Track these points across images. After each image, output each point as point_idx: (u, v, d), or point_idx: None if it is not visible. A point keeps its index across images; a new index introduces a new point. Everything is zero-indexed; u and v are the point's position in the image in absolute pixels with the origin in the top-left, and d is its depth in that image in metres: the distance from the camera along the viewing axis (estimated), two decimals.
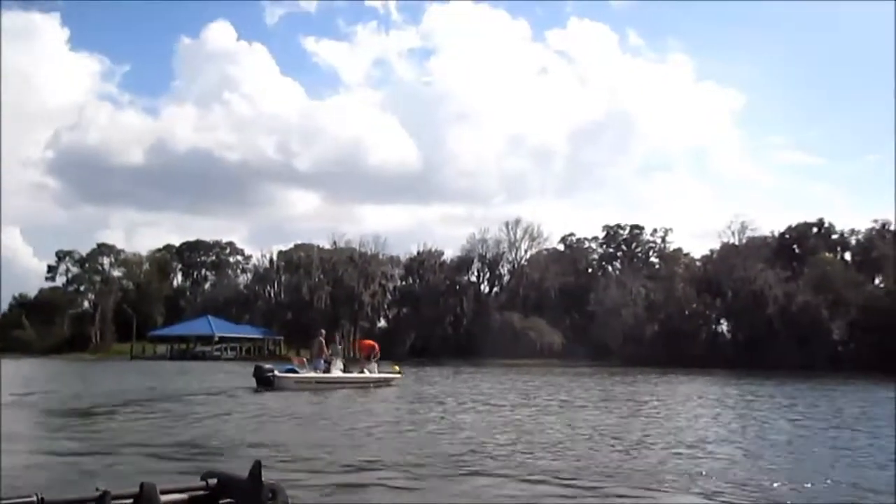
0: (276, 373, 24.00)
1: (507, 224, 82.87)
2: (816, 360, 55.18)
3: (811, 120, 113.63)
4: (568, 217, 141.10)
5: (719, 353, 58.88)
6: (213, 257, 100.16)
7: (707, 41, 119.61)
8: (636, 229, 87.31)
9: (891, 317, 56.09)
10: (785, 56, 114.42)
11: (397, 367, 29.04)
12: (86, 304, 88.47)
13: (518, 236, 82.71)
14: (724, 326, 64.46)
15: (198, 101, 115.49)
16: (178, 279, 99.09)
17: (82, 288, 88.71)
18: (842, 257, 70.51)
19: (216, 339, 71.43)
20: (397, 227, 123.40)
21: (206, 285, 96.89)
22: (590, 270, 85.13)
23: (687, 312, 65.67)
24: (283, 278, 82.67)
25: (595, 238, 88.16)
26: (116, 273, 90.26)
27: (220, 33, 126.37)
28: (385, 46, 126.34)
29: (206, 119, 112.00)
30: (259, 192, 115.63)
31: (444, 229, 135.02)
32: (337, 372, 25.56)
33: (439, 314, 77.51)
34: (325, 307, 78.63)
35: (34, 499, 1.51)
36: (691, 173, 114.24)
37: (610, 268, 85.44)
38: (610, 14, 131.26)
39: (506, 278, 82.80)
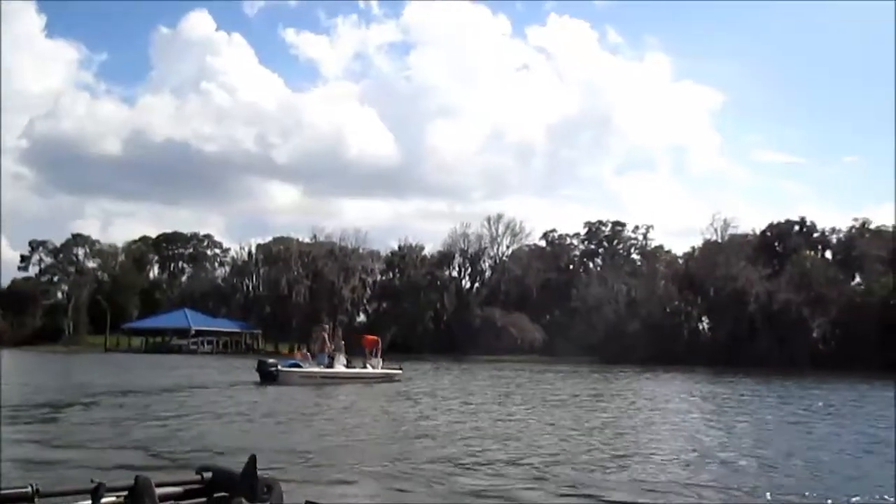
0: (280, 367, 23.55)
1: (488, 219, 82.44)
2: (797, 359, 55.21)
3: (788, 120, 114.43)
4: (547, 214, 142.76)
5: (700, 351, 58.60)
6: (191, 249, 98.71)
7: (685, 40, 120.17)
8: (618, 226, 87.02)
9: (871, 315, 56.14)
10: (762, 56, 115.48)
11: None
12: (59, 295, 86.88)
13: (500, 232, 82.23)
14: (705, 324, 64.17)
15: (176, 91, 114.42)
16: (155, 271, 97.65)
17: (56, 279, 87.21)
18: (823, 256, 70.55)
19: (193, 332, 70.22)
20: (376, 222, 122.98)
21: (183, 278, 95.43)
22: (571, 267, 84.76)
23: (668, 310, 65.39)
24: (261, 271, 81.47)
25: (577, 234, 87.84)
26: (91, 264, 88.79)
27: (199, 23, 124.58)
28: (365, 40, 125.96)
29: (184, 109, 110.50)
30: (237, 184, 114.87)
31: (423, 224, 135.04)
32: (340, 367, 25.18)
33: (420, 309, 76.77)
34: (304, 301, 77.63)
35: (29, 490, 1.48)
36: (670, 171, 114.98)
37: (591, 264, 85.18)
38: (590, 11, 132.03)
39: (487, 274, 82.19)
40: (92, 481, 1.61)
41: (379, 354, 28.07)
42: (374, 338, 29.59)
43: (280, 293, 77.95)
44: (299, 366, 24.59)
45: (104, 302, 76.37)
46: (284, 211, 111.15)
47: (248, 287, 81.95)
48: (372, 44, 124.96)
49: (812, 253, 68.80)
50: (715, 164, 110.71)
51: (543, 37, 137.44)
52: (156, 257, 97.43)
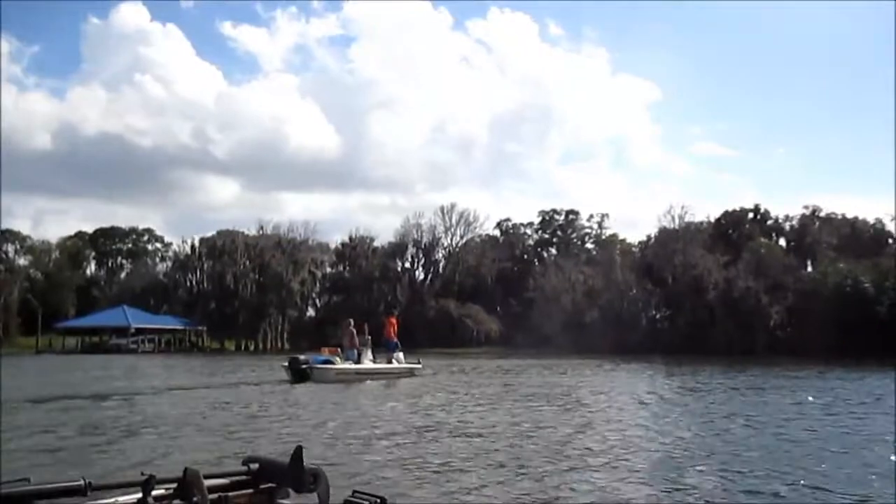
0: (313, 364, 22.85)
1: (441, 209, 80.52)
2: (756, 346, 54.79)
3: (723, 113, 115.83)
4: (491, 207, 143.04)
5: (660, 340, 57.73)
6: (130, 245, 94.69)
7: (622, 33, 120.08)
8: (571, 215, 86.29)
9: (826, 302, 56.00)
10: (695, 50, 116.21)
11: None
12: None
13: (453, 222, 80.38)
14: (663, 312, 63.32)
15: (108, 83, 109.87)
16: (92, 268, 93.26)
17: None
18: (777, 243, 70.53)
19: (132, 330, 66.58)
20: (319, 216, 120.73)
21: (122, 274, 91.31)
22: (526, 257, 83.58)
23: (626, 299, 64.42)
24: (205, 266, 78.03)
25: (530, 224, 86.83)
26: (22, 261, 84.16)
27: (132, 14, 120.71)
28: (305, 33, 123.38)
29: (118, 103, 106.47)
30: (175, 179, 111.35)
31: (367, 218, 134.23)
32: (367, 362, 24.74)
33: (372, 302, 74.42)
34: (251, 295, 74.68)
35: (81, 482, 1.52)
36: (612, 163, 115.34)
37: (546, 254, 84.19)
38: (530, 4, 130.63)
39: (441, 265, 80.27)
40: (142, 474, 1.59)
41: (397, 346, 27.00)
42: (395, 322, 28.42)
43: (225, 288, 74.81)
44: (331, 362, 23.60)
45: (35, 301, 72.11)
46: (225, 206, 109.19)
47: (191, 282, 78.42)
48: (312, 37, 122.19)
49: (767, 240, 68.64)
50: (655, 156, 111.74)
51: (484, 30, 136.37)
52: (92, 253, 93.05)
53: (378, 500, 1.69)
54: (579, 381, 25.03)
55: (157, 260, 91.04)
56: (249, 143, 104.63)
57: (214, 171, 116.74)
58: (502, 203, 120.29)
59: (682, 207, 67.00)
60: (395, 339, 27.04)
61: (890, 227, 73.54)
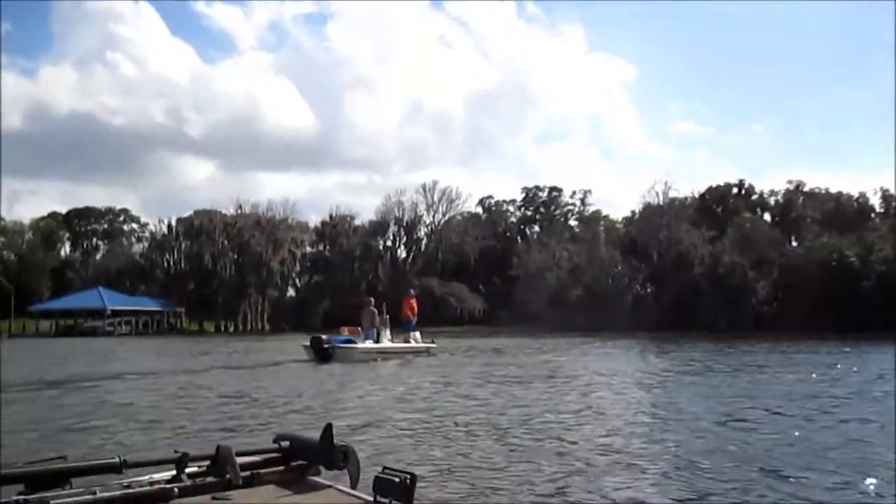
0: (335, 344, 22.85)
1: (423, 186, 79.25)
2: (742, 321, 54.43)
3: (698, 91, 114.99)
4: (468, 185, 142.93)
5: (646, 316, 57.20)
6: (106, 225, 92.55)
7: (598, 13, 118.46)
8: (555, 191, 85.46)
9: (812, 277, 55.74)
10: (672, 29, 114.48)
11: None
12: None
13: (435, 199, 79.23)
14: (648, 288, 62.77)
15: (80, 62, 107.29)
16: (66, 249, 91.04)
17: None
18: (762, 218, 70.16)
19: (108, 312, 65.11)
20: (295, 196, 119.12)
21: (98, 255, 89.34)
22: (508, 234, 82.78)
23: (611, 276, 63.79)
24: (183, 246, 76.46)
25: (513, 201, 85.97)
26: None
27: None
28: (280, 10, 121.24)
29: (90, 81, 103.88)
30: (149, 159, 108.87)
31: (344, 198, 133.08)
32: (386, 341, 24.61)
33: (353, 281, 73.38)
34: (230, 276, 73.33)
35: (117, 460, 1.58)
36: (588, 142, 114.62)
37: (528, 231, 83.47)
38: None
39: (423, 242, 79.20)
40: (175, 451, 1.66)
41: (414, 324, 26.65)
42: (414, 302, 27.47)
43: (204, 268, 73.39)
44: (353, 342, 23.49)
45: (7, 283, 70.22)
46: (200, 187, 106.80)
47: (168, 263, 76.86)
48: (287, 14, 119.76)
49: (752, 215, 68.25)
50: (632, 135, 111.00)
51: (462, 8, 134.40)
52: (67, 234, 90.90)
53: (408, 477, 1.60)
54: (583, 361, 24.09)
55: (134, 241, 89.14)
56: (224, 122, 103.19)
57: (189, 151, 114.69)
58: (480, 183, 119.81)
59: (666, 183, 66.21)
60: (414, 319, 26.57)
61: (874, 201, 73.76)
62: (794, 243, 67.14)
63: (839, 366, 20.35)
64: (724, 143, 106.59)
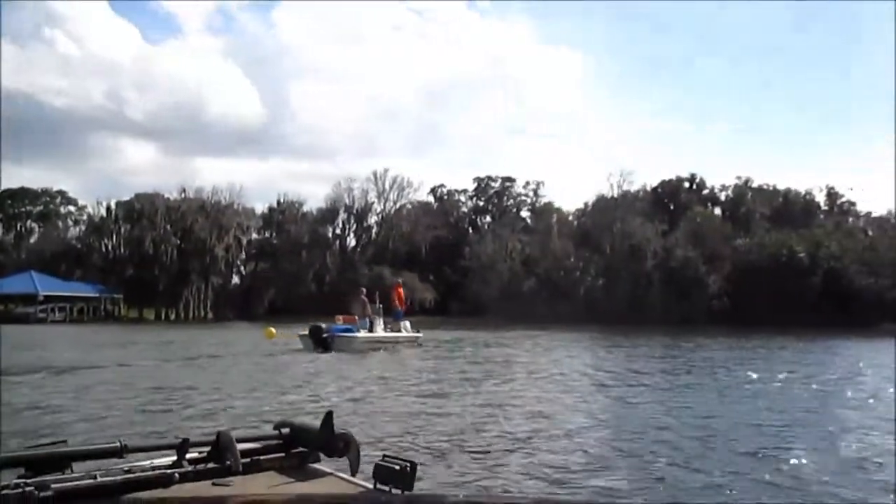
0: (334, 334, 22.75)
1: (374, 174, 77.62)
2: (694, 315, 54.42)
3: (655, 86, 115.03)
4: (415, 176, 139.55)
5: (598, 309, 56.81)
6: (41, 207, 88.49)
7: (550, 4, 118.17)
8: (507, 182, 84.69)
9: (762, 272, 56.18)
10: (626, 22, 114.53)
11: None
12: None
13: (386, 187, 77.71)
14: (601, 281, 62.38)
15: (16, 39, 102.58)
16: None
17: None
18: (713, 212, 70.59)
19: (41, 298, 62.00)
20: (241, 182, 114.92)
21: (32, 238, 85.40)
22: (460, 224, 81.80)
23: (563, 271, 63.24)
24: (122, 230, 73.33)
25: (465, 191, 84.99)
26: None
27: None
28: None
29: (26, 59, 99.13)
30: (89, 141, 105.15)
31: (289, 185, 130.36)
32: (380, 331, 24.67)
33: (301, 269, 71.52)
34: (171, 261, 70.64)
35: (118, 444, 1.59)
36: (539, 134, 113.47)
37: (480, 221, 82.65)
38: None
39: (374, 231, 77.65)
40: (176, 437, 1.66)
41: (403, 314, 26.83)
42: (401, 291, 27.65)
43: (144, 253, 70.50)
44: (351, 331, 23.40)
45: None
46: (143, 171, 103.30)
47: (107, 247, 73.58)
48: None
49: (703, 209, 68.58)
50: (586, 127, 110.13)
51: None
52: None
53: (408, 465, 1.60)
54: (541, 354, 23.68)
55: (71, 224, 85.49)
56: (168, 105, 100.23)
57: (131, 134, 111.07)
58: (431, 172, 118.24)
59: (621, 175, 65.91)
60: (402, 308, 26.84)
61: (819, 198, 75.05)
62: (745, 238, 67.68)
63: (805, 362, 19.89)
64: (678, 137, 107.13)
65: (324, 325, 23.05)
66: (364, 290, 25.51)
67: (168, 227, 72.18)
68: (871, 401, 11.97)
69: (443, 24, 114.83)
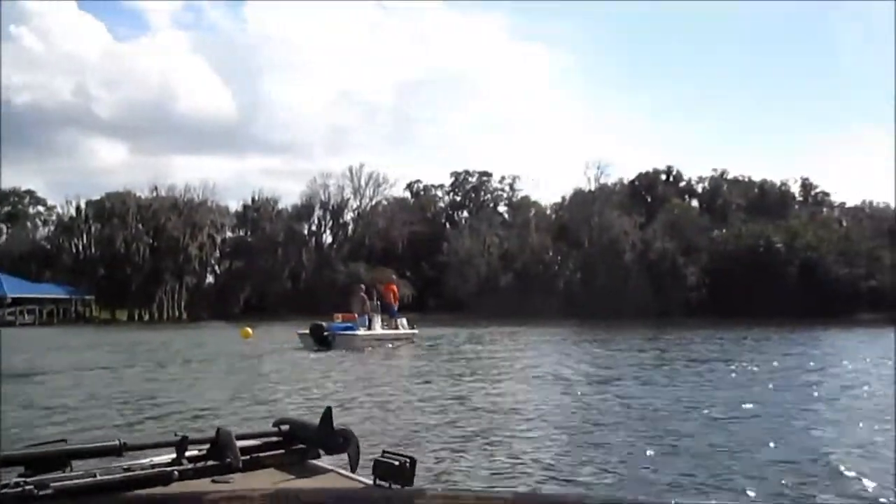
0: (335, 332, 22.76)
1: (350, 170, 76.75)
2: (672, 308, 54.33)
3: (631, 83, 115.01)
4: (395, 171, 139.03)
5: (575, 303, 56.54)
6: (9, 207, 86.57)
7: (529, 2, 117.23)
8: (484, 176, 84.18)
9: (739, 263, 56.33)
10: (604, 20, 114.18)
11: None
12: None
13: (362, 183, 76.92)
14: (579, 274, 62.10)
15: None
16: None
17: None
18: (690, 204, 70.69)
19: (9, 300, 60.60)
20: (214, 180, 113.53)
21: (0, 240, 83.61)
22: (437, 220, 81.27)
23: (541, 265, 62.89)
24: (93, 229, 71.89)
25: (441, 186, 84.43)
26: None
27: None
28: None
29: None
30: (57, 139, 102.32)
31: (263, 182, 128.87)
32: (378, 328, 24.80)
33: (276, 267, 70.62)
34: (144, 261, 69.39)
35: (117, 443, 1.58)
36: (516, 130, 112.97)
37: (457, 216, 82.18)
38: None
39: (350, 227, 76.85)
40: (175, 434, 1.64)
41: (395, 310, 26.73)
42: (395, 288, 27.79)
43: (115, 253, 69.17)
44: (353, 328, 23.46)
45: None
46: (113, 170, 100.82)
47: (77, 247, 72.05)
48: None
49: (680, 201, 68.63)
50: (561, 122, 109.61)
51: None
52: None
53: (407, 461, 1.60)
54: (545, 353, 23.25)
55: (39, 224, 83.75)
56: (137, 103, 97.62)
57: (100, 132, 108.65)
58: (407, 168, 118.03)
59: (598, 168, 65.63)
60: (396, 305, 26.88)
61: (794, 189, 75.52)
62: (722, 230, 67.81)
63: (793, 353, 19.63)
64: (654, 130, 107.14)
65: (324, 324, 23.06)
66: (363, 286, 25.58)
67: (140, 226, 70.90)
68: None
69: (417, 20, 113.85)
